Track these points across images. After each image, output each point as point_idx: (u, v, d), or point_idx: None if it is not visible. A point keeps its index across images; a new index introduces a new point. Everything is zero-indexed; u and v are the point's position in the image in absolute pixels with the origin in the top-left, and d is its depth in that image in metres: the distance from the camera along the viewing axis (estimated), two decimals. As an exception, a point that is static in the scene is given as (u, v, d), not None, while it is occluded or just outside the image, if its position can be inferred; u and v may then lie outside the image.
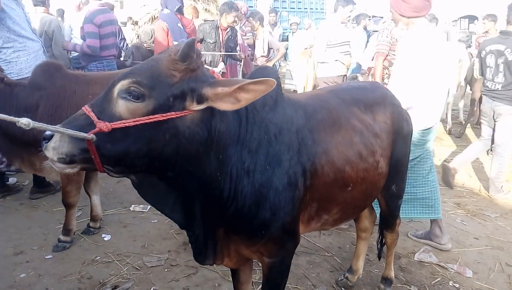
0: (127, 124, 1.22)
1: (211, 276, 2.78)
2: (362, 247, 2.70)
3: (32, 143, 2.59)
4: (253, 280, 2.59)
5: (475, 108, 6.93)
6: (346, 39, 5.59)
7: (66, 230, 3.13)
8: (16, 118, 1.04)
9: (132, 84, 1.25)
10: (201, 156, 1.37)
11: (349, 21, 7.27)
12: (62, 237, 3.12)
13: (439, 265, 3.04)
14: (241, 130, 1.50)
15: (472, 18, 15.98)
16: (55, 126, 1.18)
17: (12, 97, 2.84)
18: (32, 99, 2.88)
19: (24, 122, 1.05)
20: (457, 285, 2.81)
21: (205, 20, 6.11)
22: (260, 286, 2.17)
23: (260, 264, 2.23)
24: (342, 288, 2.70)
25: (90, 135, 1.19)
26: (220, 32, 5.66)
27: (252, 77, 1.68)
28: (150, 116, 1.23)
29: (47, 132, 1.22)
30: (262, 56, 7.25)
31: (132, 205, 3.90)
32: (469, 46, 9.15)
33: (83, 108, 1.27)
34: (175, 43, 5.25)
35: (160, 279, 2.75)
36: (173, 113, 1.26)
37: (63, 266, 2.88)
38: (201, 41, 5.64)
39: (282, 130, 1.62)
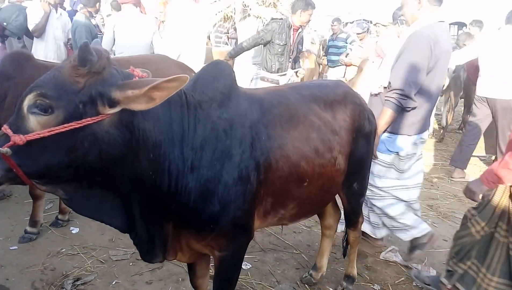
0: (42, 135, 1.20)
1: (176, 271, 2.77)
2: (326, 245, 2.71)
3: None
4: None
5: (452, 113, 7.03)
6: None
7: (33, 222, 3.10)
8: None
9: (37, 97, 1.22)
10: (127, 158, 1.35)
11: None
12: (28, 229, 3.09)
13: (405, 265, 3.07)
14: (183, 128, 1.50)
15: (461, 25, 16.25)
16: None
17: None
18: (0, 89, 2.85)
19: None
20: (420, 285, 2.83)
21: (273, 18, 5.18)
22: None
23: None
24: (306, 285, 2.72)
25: (5, 149, 1.17)
26: (292, 32, 4.83)
27: (205, 71, 1.69)
28: (65, 125, 1.21)
29: None
30: None
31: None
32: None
33: (2, 127, 1.24)
34: None
35: (124, 272, 2.74)
36: (88, 119, 1.24)
37: (27, 257, 2.85)
38: (268, 42, 4.80)
39: (234, 124, 1.63)
